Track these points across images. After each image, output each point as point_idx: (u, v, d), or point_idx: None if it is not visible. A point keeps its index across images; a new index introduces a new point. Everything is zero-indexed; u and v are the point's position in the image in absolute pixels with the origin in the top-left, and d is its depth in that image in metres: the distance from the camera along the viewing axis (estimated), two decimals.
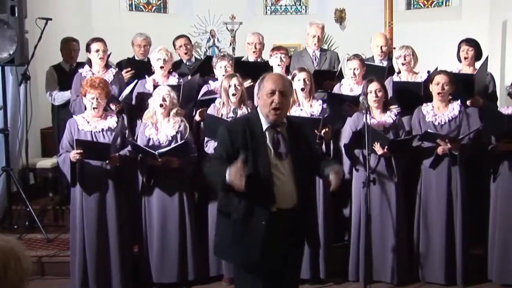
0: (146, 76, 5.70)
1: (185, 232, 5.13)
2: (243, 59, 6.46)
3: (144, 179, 5.02)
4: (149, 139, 5.05)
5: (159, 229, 5.09)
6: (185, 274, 5.16)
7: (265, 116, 3.45)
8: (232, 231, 3.46)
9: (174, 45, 6.76)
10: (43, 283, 5.36)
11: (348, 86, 5.68)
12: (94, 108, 4.96)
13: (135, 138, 5.18)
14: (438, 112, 5.19)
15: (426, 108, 5.23)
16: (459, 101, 5.20)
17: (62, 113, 6.36)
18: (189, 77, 5.90)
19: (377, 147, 4.96)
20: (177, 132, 5.07)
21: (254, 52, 6.29)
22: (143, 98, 5.43)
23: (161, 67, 5.62)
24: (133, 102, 5.68)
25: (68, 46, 6.68)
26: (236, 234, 3.44)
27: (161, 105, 5.03)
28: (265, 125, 3.45)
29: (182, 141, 4.99)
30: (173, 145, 4.97)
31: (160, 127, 5.09)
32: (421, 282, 5.23)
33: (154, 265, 5.13)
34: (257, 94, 3.40)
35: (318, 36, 6.37)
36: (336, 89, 5.74)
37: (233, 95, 5.09)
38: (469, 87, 5.39)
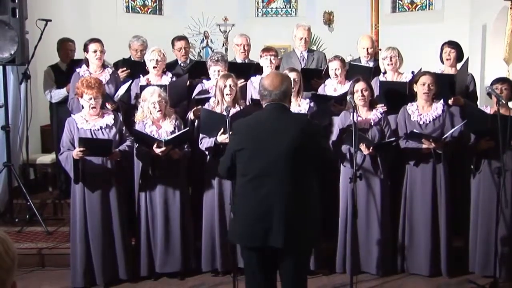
0: (141, 76, 5.81)
1: (185, 223, 5.26)
2: (230, 59, 6.48)
3: (150, 170, 5.09)
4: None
5: (162, 221, 5.17)
6: (188, 264, 5.31)
7: None
8: None
9: (173, 44, 6.71)
10: (43, 274, 5.50)
11: (332, 86, 5.81)
12: (93, 108, 5.03)
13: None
14: (422, 112, 5.32)
15: (411, 108, 5.36)
16: (442, 101, 5.34)
17: (60, 110, 6.46)
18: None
19: (363, 148, 5.08)
20: (174, 128, 5.19)
21: (242, 53, 6.42)
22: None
23: (154, 67, 5.73)
24: (132, 101, 5.77)
25: (65, 46, 6.78)
26: None
27: (159, 111, 5.13)
28: None
29: (186, 129, 5.11)
30: (178, 133, 5.07)
31: (159, 124, 5.20)
32: (405, 273, 5.37)
33: (157, 256, 5.22)
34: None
35: (305, 38, 6.46)
36: (320, 90, 5.87)
37: (227, 95, 5.19)
38: (451, 87, 5.55)
